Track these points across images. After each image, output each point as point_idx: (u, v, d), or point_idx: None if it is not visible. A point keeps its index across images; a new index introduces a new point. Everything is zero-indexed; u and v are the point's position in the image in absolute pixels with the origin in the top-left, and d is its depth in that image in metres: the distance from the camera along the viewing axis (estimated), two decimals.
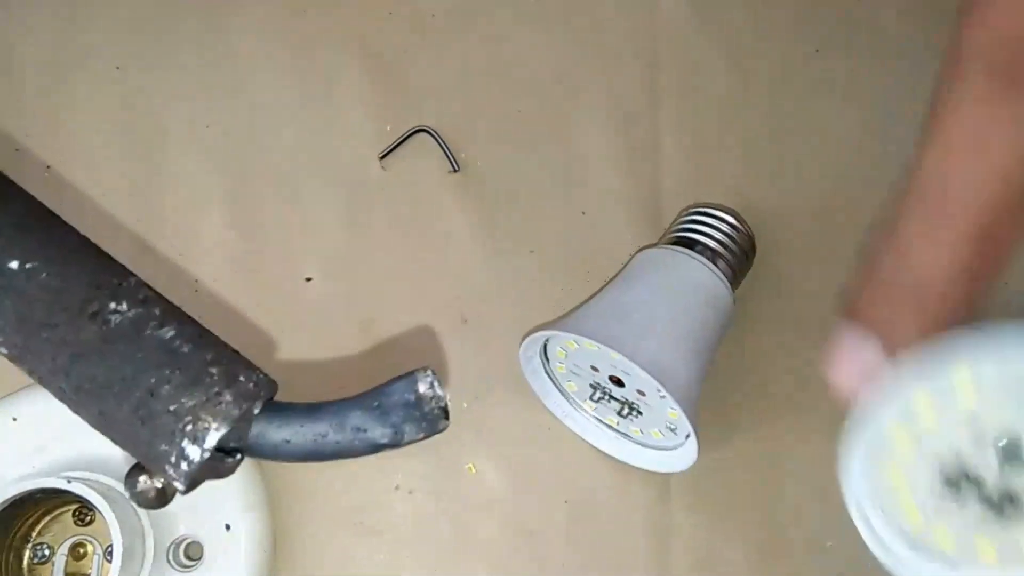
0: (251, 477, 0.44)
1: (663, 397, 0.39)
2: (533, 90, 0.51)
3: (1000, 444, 0.22)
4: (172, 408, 0.21)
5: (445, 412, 0.23)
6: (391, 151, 0.49)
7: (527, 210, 0.49)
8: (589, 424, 0.46)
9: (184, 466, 0.21)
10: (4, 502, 0.38)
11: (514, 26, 0.51)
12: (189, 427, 0.20)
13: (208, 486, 0.42)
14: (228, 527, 0.42)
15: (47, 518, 0.43)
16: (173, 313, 0.22)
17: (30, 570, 0.42)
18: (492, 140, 0.50)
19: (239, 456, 0.22)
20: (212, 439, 0.20)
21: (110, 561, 0.38)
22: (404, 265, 0.48)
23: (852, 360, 0.24)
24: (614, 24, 0.52)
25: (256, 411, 0.22)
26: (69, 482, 0.38)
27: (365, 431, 0.22)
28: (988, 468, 0.23)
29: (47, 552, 0.42)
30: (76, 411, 0.22)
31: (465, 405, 0.46)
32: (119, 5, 0.52)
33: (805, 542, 0.45)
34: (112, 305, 0.22)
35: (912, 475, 0.24)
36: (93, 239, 0.49)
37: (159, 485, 0.23)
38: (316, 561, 0.45)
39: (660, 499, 0.45)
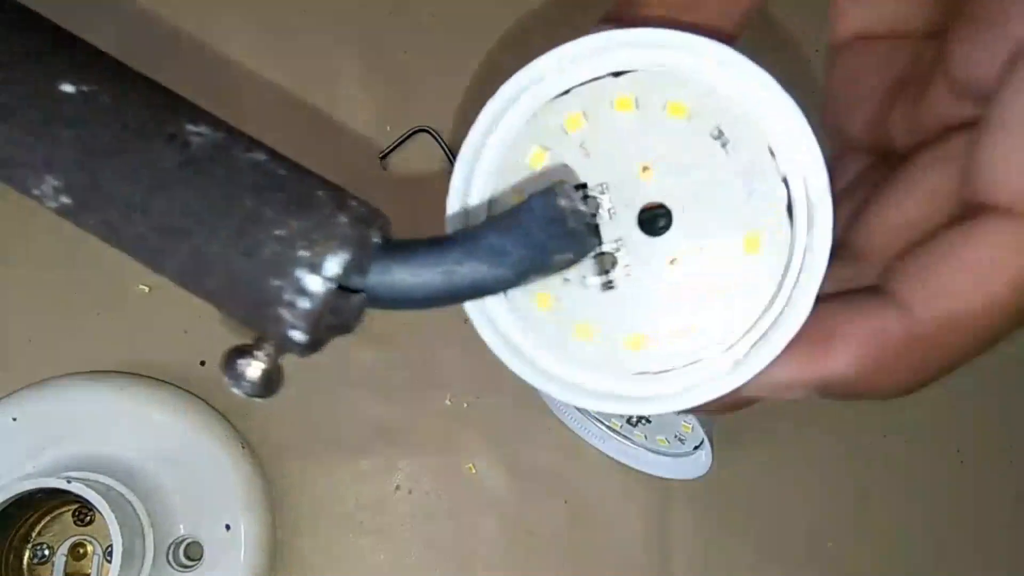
0: (251, 477, 0.44)
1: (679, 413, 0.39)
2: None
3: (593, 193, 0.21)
4: (280, 233, 0.16)
5: (593, 229, 0.19)
6: (391, 151, 0.49)
7: None
8: (591, 426, 0.45)
9: (304, 304, 0.16)
10: (4, 502, 0.38)
11: (515, 25, 0.51)
12: (304, 252, 0.16)
13: (208, 485, 0.42)
14: (228, 527, 0.42)
15: (47, 518, 0.43)
16: (258, 142, 0.18)
17: (30, 570, 0.42)
18: None
19: (363, 294, 0.18)
20: (333, 265, 0.16)
21: (110, 561, 0.38)
22: None
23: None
24: None
25: (375, 240, 0.18)
26: (69, 482, 0.38)
27: (506, 255, 0.18)
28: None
29: (47, 552, 0.42)
30: (162, 264, 0.18)
31: (465, 405, 0.46)
32: (118, 1, 0.52)
33: (805, 542, 0.45)
34: (190, 127, 0.17)
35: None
36: (92, 238, 0.49)
37: (264, 365, 0.18)
38: (316, 561, 0.45)
39: (660, 499, 0.45)
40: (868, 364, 0.19)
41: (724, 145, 0.20)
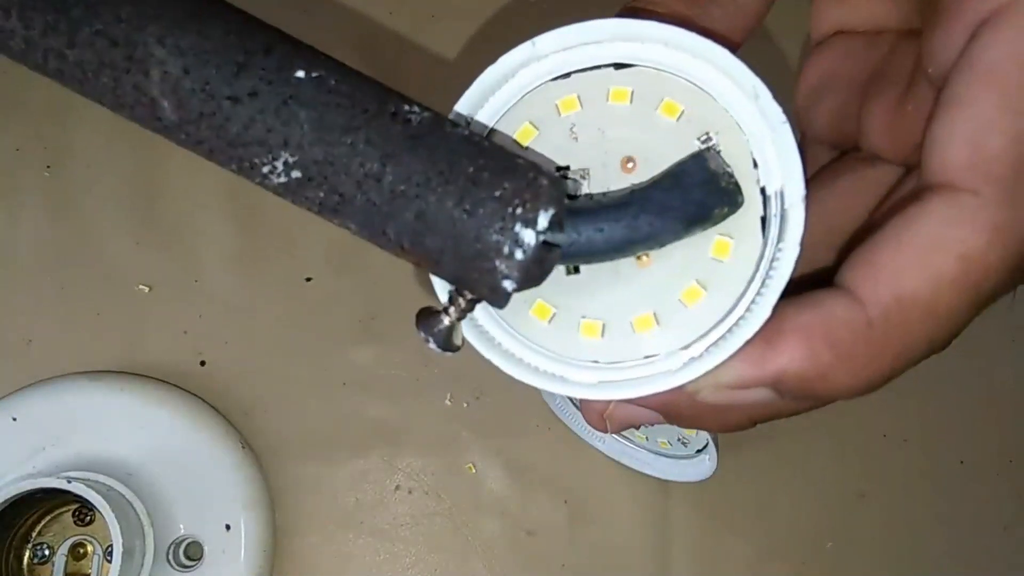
0: (251, 476, 0.44)
1: None
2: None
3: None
4: (497, 194, 0.19)
5: (739, 187, 0.21)
6: None
7: None
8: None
9: (519, 254, 0.19)
10: (4, 502, 0.38)
11: (515, 26, 0.51)
12: (519, 210, 0.18)
13: (208, 485, 0.42)
14: (228, 527, 0.42)
15: (47, 518, 0.43)
16: (455, 122, 0.21)
17: (30, 570, 0.42)
18: None
19: (559, 248, 0.20)
20: (544, 219, 0.18)
21: (110, 561, 0.38)
22: (404, 264, 0.48)
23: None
24: None
25: (566, 200, 0.20)
26: (69, 482, 0.38)
27: (675, 209, 0.20)
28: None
29: (47, 552, 0.42)
30: (384, 228, 0.19)
31: (465, 405, 0.46)
32: None
33: (805, 542, 0.45)
34: (406, 107, 0.20)
35: None
36: (93, 238, 0.50)
37: (453, 319, 0.21)
38: (316, 561, 0.45)
39: (660, 500, 0.45)
40: (821, 357, 0.19)
41: (709, 150, 0.21)
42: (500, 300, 0.19)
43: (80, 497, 0.38)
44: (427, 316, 0.20)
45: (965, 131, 0.18)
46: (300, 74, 0.20)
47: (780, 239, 0.20)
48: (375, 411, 0.46)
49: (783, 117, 0.20)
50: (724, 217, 0.20)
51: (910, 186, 0.21)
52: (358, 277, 0.48)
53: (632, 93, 0.21)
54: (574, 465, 0.46)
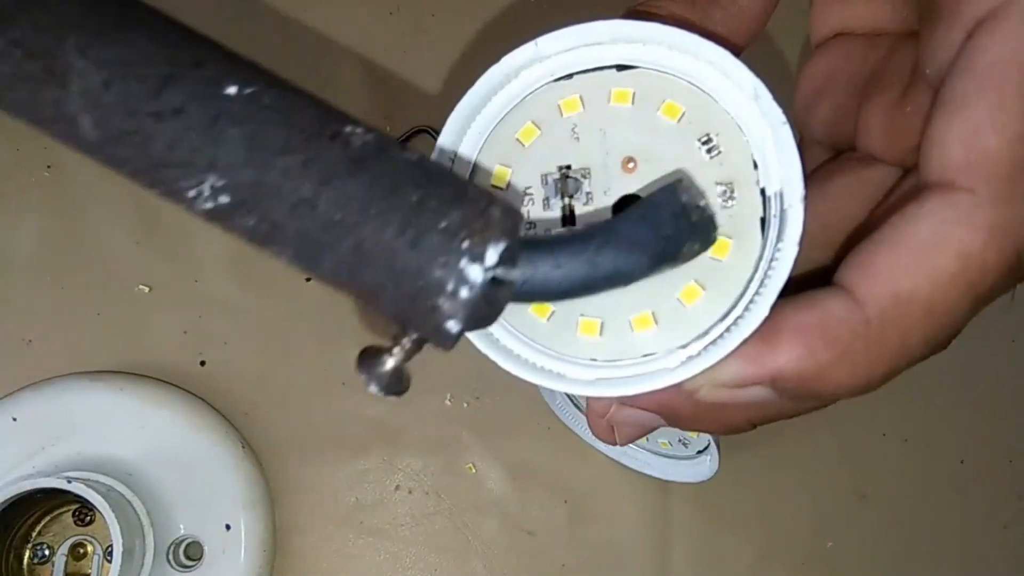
0: (251, 476, 0.44)
1: None
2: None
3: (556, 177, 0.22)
4: (443, 225, 0.17)
5: (713, 221, 0.20)
6: None
7: None
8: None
9: (464, 292, 0.17)
10: (4, 502, 0.38)
11: (515, 26, 0.51)
12: (466, 243, 0.17)
13: (208, 485, 0.42)
14: (228, 527, 0.42)
15: (47, 518, 0.43)
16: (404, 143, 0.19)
17: (30, 570, 0.42)
18: None
19: (511, 285, 0.18)
20: (493, 254, 0.17)
21: (110, 561, 0.38)
22: None
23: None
24: None
25: (521, 232, 0.18)
26: (69, 482, 0.38)
27: (642, 245, 0.18)
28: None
29: (47, 552, 0.42)
30: (319, 260, 0.18)
31: (465, 405, 0.46)
32: None
33: (805, 542, 0.45)
34: (348, 128, 0.18)
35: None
36: (92, 238, 0.50)
37: (397, 362, 0.18)
38: (316, 561, 0.45)
39: (660, 499, 0.45)
40: (819, 355, 0.19)
41: (710, 151, 0.21)
42: (446, 342, 0.18)
43: (80, 497, 0.38)
44: (370, 356, 0.19)
45: (962, 131, 0.18)
46: (232, 90, 0.18)
47: (779, 239, 0.20)
48: (375, 411, 0.46)
49: (783, 118, 0.20)
50: (695, 254, 0.20)
51: (908, 186, 0.21)
52: None
53: (634, 94, 0.21)
54: (574, 465, 0.46)
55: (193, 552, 0.42)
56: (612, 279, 0.19)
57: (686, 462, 0.43)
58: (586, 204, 0.21)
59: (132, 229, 0.48)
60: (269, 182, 0.17)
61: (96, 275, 0.47)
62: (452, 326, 0.17)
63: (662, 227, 0.19)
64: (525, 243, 0.19)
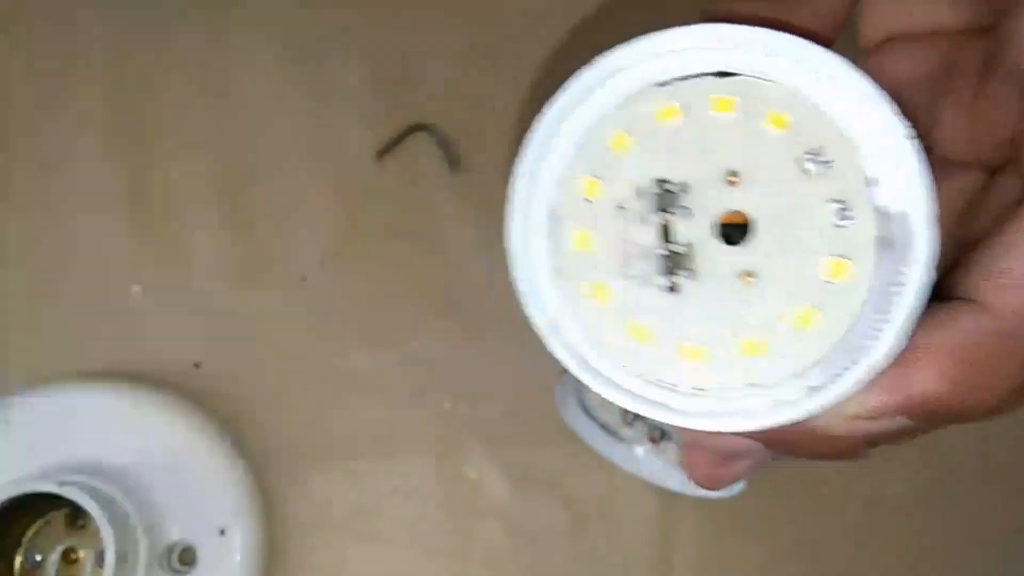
0: (246, 481, 0.43)
1: None
2: (535, 89, 0.50)
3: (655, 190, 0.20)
4: None
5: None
6: (389, 150, 0.49)
7: None
8: (600, 435, 0.45)
9: None
10: None
11: (516, 26, 0.51)
12: None
13: (202, 490, 0.42)
14: (222, 532, 0.42)
15: (39, 523, 0.42)
16: None
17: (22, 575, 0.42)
18: (493, 139, 0.49)
19: None
20: None
21: (103, 567, 0.38)
22: (401, 265, 0.48)
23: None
24: None
25: None
26: (61, 486, 0.37)
27: None
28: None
29: (39, 558, 0.42)
30: None
31: (465, 409, 0.46)
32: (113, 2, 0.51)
33: (811, 549, 0.45)
34: None
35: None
36: (86, 239, 0.49)
37: None
38: (312, 566, 0.45)
39: (663, 503, 0.45)
40: (959, 375, 0.18)
41: (820, 166, 0.20)
42: None
43: (72, 502, 0.38)
44: None
45: None
46: None
47: (903, 262, 0.19)
48: (372, 414, 0.46)
49: (908, 131, 0.19)
50: None
51: (1009, 186, 0.20)
52: (354, 278, 0.48)
53: (737, 104, 0.20)
54: (575, 471, 0.46)
55: (187, 557, 0.42)
56: None
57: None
58: (686, 221, 0.20)
59: (126, 230, 0.47)
60: None
61: (89, 276, 0.47)
62: None
63: None
64: None
